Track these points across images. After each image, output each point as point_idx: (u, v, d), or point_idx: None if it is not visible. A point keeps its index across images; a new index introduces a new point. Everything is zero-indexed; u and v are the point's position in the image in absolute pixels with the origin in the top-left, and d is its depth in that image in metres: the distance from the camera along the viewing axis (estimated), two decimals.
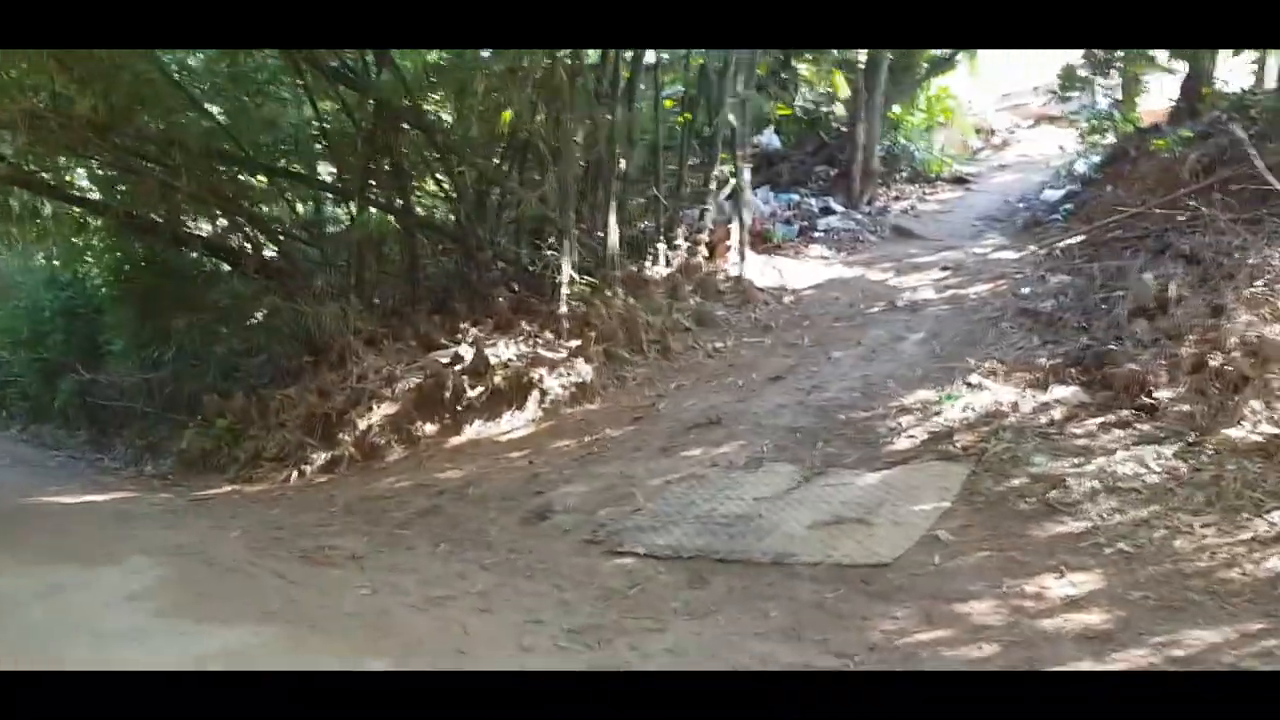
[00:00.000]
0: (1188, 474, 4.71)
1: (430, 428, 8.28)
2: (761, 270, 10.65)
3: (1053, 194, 12.81)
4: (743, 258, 10.45)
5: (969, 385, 6.57)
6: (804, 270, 10.83)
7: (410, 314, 10.04)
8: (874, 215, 12.94)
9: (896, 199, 14.00)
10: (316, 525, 6.41)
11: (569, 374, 8.44)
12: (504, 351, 8.81)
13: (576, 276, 9.53)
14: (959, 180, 15.01)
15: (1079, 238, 10.10)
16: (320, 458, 8.14)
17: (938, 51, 14.69)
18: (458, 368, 8.60)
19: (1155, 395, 5.53)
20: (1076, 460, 5.14)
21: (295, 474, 7.98)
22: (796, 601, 4.25)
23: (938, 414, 6.32)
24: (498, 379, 8.38)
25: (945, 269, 10.36)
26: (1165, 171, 10.62)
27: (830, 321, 9.21)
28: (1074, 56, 13.96)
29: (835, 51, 13.34)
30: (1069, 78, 13.59)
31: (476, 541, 5.66)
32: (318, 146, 10.59)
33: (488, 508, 6.24)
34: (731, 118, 10.31)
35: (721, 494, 5.73)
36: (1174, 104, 12.57)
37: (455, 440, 8.09)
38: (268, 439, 8.49)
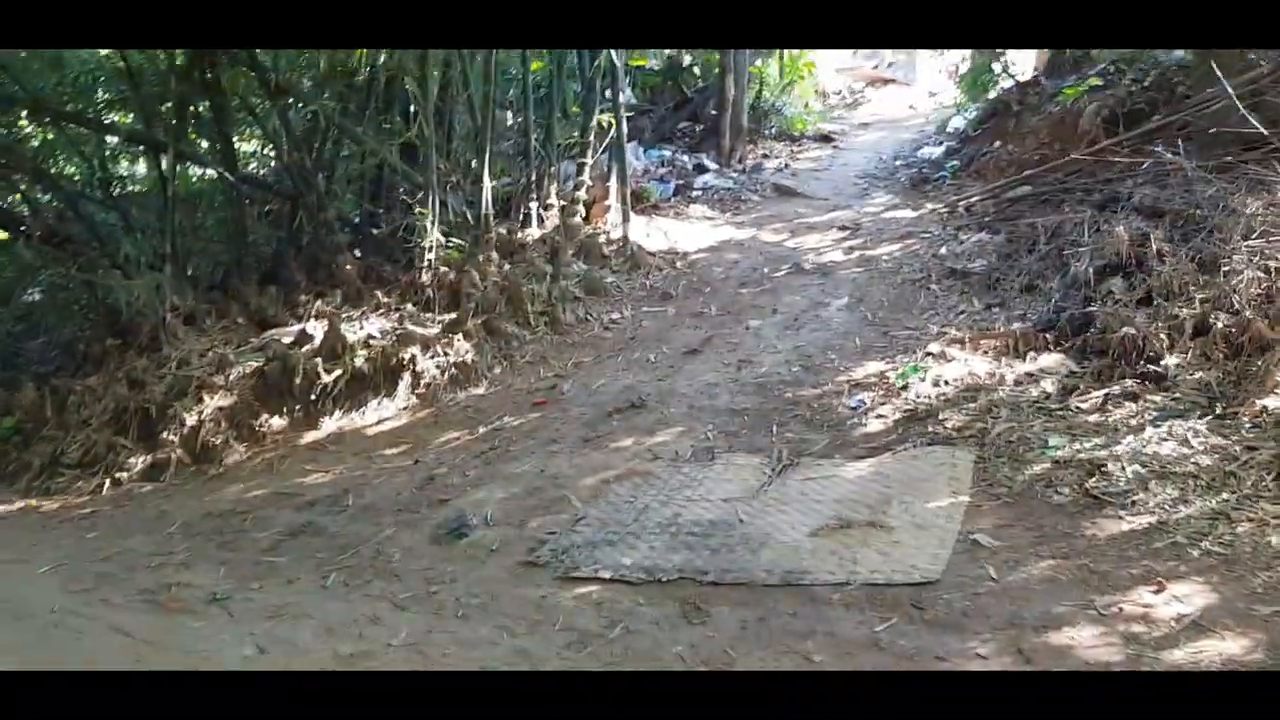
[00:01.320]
0: (1241, 453, 4.17)
1: (278, 421, 6.97)
2: (645, 232, 9.77)
3: (932, 151, 12.53)
4: (626, 218, 9.53)
5: (931, 355, 5.94)
6: (691, 232, 10.02)
7: (237, 287, 8.60)
8: (750, 173, 12.28)
9: (766, 157, 13.39)
10: (153, 553, 5.09)
11: (446, 353, 7.32)
12: (364, 328, 7.60)
13: (443, 240, 8.37)
14: (825, 138, 14.58)
15: (979, 195, 9.75)
16: (139, 462, 6.69)
17: None
18: (306, 348, 7.32)
19: (1161, 363, 5.02)
20: (1100, 440, 4.54)
21: (108, 483, 6.50)
22: (840, 639, 3.42)
23: (904, 389, 5.66)
24: (359, 361, 7.16)
25: (843, 229, 9.79)
26: (1060, 124, 10.42)
27: (735, 288, 8.44)
28: None
29: None
30: None
31: (379, 569, 4.54)
32: (119, 88, 8.92)
33: (380, 522, 5.11)
34: (615, 55, 9.31)
35: (679, 495, 4.84)
36: (1051, 56, 12.47)
37: (312, 436, 6.83)
38: (68, 440, 6.93)
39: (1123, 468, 4.25)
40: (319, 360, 7.12)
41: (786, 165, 12.91)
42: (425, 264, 8.36)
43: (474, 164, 8.41)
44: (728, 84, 12.84)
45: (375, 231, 9.58)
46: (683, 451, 5.39)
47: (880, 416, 5.45)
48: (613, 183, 9.97)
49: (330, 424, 6.92)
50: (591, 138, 9.56)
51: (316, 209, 8.74)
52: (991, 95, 12.55)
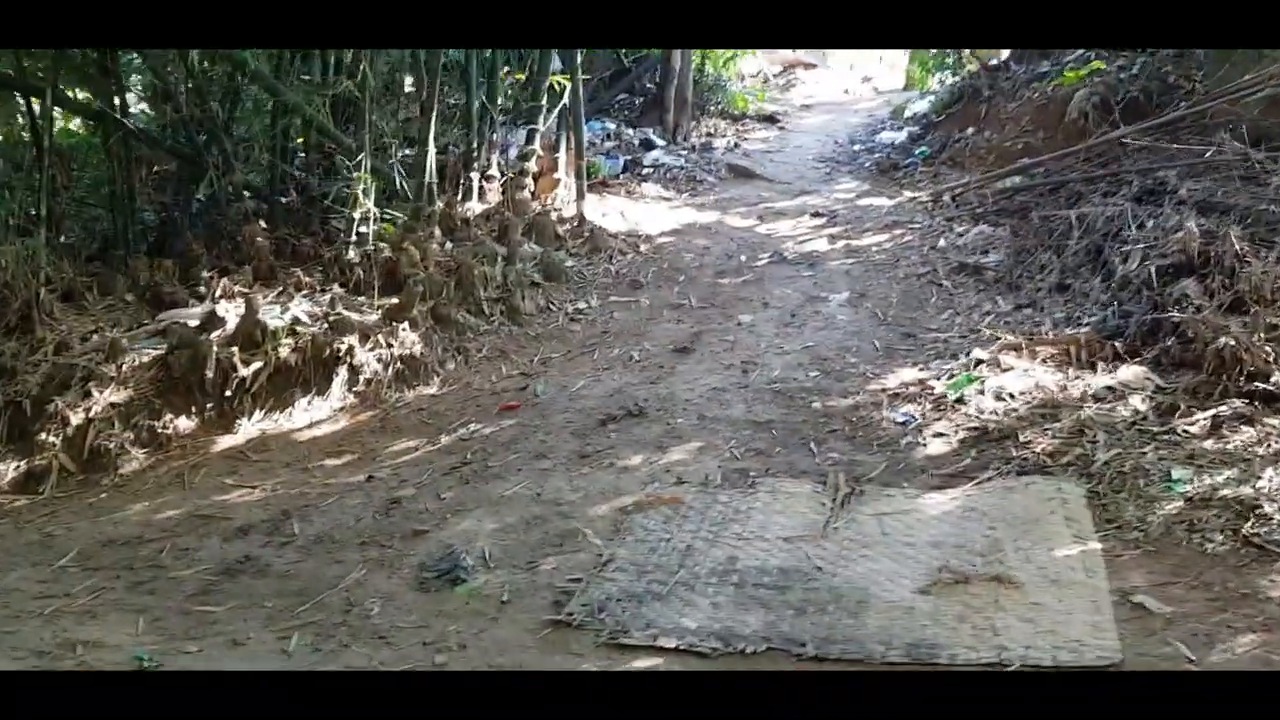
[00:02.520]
0: None
1: (185, 423, 5.83)
2: (600, 211, 8.88)
3: (893, 136, 12.00)
4: (581, 195, 8.62)
5: (981, 363, 5.26)
6: (649, 213, 9.19)
7: (125, 259, 7.37)
8: (700, 152, 11.49)
9: (711, 135, 12.63)
10: (43, 594, 3.99)
11: (389, 344, 6.30)
12: (289, 312, 6.51)
13: (376, 211, 7.32)
14: (769, 119, 13.92)
15: (964, 184, 9.20)
16: (9, 469, 5.49)
17: None
18: (218, 334, 6.20)
19: (1271, 380, 4.43)
20: (1233, 473, 3.91)
21: None
22: None
23: (960, 402, 4.95)
24: (283, 350, 6.09)
25: (817, 215, 9.11)
26: (1043, 111, 9.97)
27: (712, 276, 7.64)
28: None
29: None
30: None
31: (355, 627, 3.57)
32: None
33: (342, 559, 4.12)
34: None
35: (725, 532, 4.01)
36: None
37: (228, 441, 5.73)
38: None
39: None
40: (234, 349, 6.01)
41: (736, 145, 12.19)
42: (354, 238, 7.31)
43: (429, 121, 7.33)
44: (675, 55, 12.02)
45: (286, 200, 8.41)
46: (711, 474, 4.55)
47: (940, 435, 4.73)
48: (562, 154, 9.05)
49: (250, 427, 5.83)
50: (543, 101, 8.57)
51: (222, 171, 7.55)
52: (948, 80, 12.10)
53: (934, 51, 12.71)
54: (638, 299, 7.27)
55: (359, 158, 7.06)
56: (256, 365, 5.98)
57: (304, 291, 6.97)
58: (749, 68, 19.74)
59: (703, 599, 3.51)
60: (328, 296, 6.80)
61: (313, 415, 5.93)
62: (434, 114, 7.35)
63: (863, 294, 6.93)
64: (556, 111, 8.75)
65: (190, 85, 7.62)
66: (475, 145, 8.44)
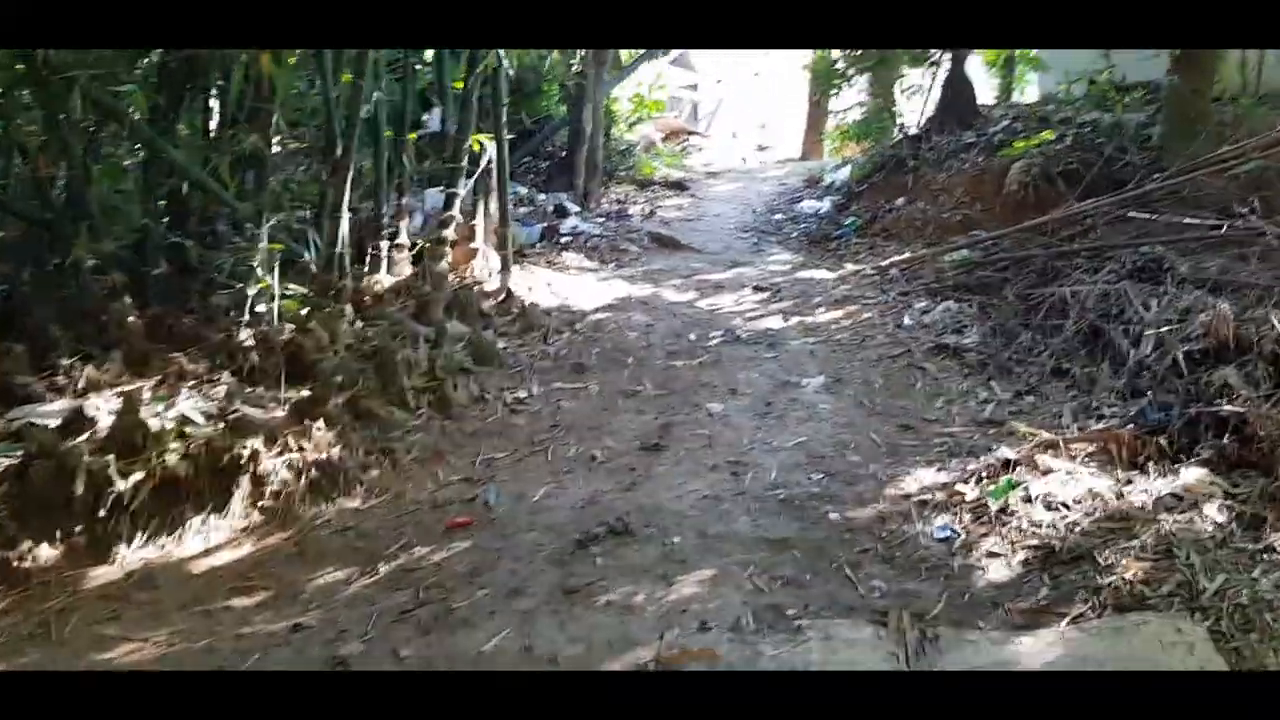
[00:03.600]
0: None
1: (49, 551, 4.70)
2: (526, 284, 8.08)
3: (815, 205, 11.63)
4: (506, 266, 7.81)
5: (1015, 464, 4.65)
6: (577, 286, 8.44)
7: None
8: (617, 219, 10.85)
9: (621, 202, 12.04)
10: None
11: (300, 446, 5.32)
12: (175, 408, 5.45)
13: (277, 285, 6.34)
14: (678, 186, 13.45)
15: (909, 256, 8.79)
16: None
17: None
18: (87, 438, 5.10)
19: None
20: None
21: None
22: None
23: (1005, 512, 4.31)
24: (171, 458, 5.04)
25: (759, 290, 8.52)
26: (979, 182, 9.72)
27: (664, 358, 6.91)
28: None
29: None
30: (827, 74, 12.48)
31: None
32: None
33: None
34: (504, 57, 7.60)
35: None
36: (938, 110, 11.88)
37: (104, 574, 4.62)
38: None
39: None
40: (109, 457, 4.93)
41: (652, 212, 11.62)
42: (246, 318, 6.31)
43: (343, 181, 6.43)
44: (585, 116, 11.41)
45: (161, 272, 7.29)
46: (740, 615, 3.75)
47: (995, 555, 4.06)
48: (480, 221, 8.23)
49: (131, 555, 4.73)
50: (464, 162, 7.75)
51: (83, 238, 6.43)
52: (858, 149, 11.83)
53: (858, 118, 12.45)
54: (585, 385, 6.47)
55: (256, 223, 6.10)
56: (137, 477, 4.90)
57: (190, 382, 5.94)
58: (633, 135, 19.43)
59: None
60: (220, 389, 5.79)
61: (210, 539, 4.88)
62: (349, 173, 6.44)
63: (839, 379, 6.31)
64: (478, 173, 7.95)
65: (46, 138, 6.52)
66: (384, 210, 7.56)
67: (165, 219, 7.14)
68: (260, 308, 6.17)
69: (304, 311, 6.37)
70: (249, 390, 5.84)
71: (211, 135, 6.82)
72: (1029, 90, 13.38)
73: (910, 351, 6.63)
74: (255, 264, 6.10)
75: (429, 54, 8.47)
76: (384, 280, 7.44)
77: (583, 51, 10.91)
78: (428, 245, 7.64)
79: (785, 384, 6.30)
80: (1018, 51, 12.96)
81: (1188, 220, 6.32)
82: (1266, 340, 4.81)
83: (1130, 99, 9.74)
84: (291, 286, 6.47)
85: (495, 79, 7.78)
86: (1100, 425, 4.94)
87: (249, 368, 6.12)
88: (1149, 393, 5.02)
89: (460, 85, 12.76)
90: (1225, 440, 4.44)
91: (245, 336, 6.27)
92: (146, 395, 5.61)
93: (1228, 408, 4.53)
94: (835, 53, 12.88)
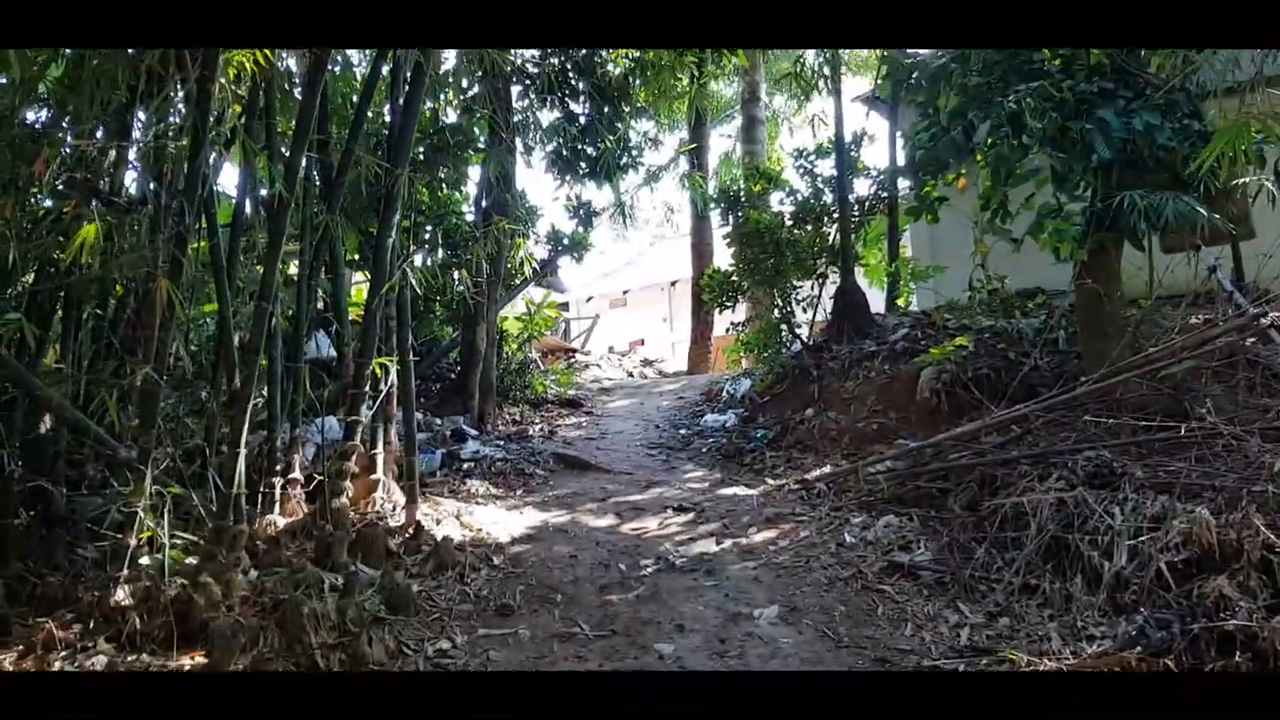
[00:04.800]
0: None
1: None
2: (434, 517, 7.51)
3: (719, 418, 11.46)
4: (413, 499, 7.24)
5: None
6: (489, 516, 7.88)
7: None
8: (517, 441, 10.42)
9: (518, 423, 11.66)
10: None
11: None
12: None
13: (162, 531, 5.64)
14: (573, 404, 13.17)
15: (833, 470, 8.60)
16: None
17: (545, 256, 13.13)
18: None
19: None
20: None
21: None
22: None
23: None
24: None
25: (681, 510, 8.14)
26: (889, 390, 9.73)
27: (597, 593, 6.37)
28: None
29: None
30: (719, 287, 12.60)
31: None
32: None
33: None
34: (411, 278, 7.28)
35: None
36: (830, 317, 12.07)
37: None
38: None
39: None
40: None
41: (552, 432, 11.25)
42: (125, 573, 5.56)
43: (240, 412, 5.87)
44: (480, 335, 11.14)
45: (19, 523, 6.46)
46: None
47: None
48: (380, 450, 7.69)
49: None
50: (366, 387, 7.28)
51: None
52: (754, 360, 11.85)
53: (758, 330, 12.54)
54: (514, 630, 5.85)
55: (142, 462, 5.46)
56: None
57: (59, 651, 5.11)
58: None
59: None
60: (98, 658, 4.98)
61: None
62: (249, 404, 5.90)
63: (793, 607, 5.88)
64: (381, 399, 7.48)
65: None
66: (277, 442, 6.97)
67: (21, 462, 6.40)
68: (144, 560, 5.43)
69: (192, 562, 5.64)
70: (131, 659, 5.06)
71: (86, 366, 6.19)
72: (913, 300, 13.82)
73: (861, 573, 6.28)
74: (139, 509, 5.41)
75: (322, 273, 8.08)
76: (278, 521, 6.78)
77: (486, 271, 10.77)
78: (327, 479, 7.03)
79: (736, 616, 5.83)
80: (898, 263, 13.45)
81: (1145, 423, 6.30)
82: (1253, 547, 4.64)
83: (1031, 305, 10.07)
84: (179, 535, 5.77)
85: (400, 299, 7.45)
86: (1094, 648, 4.64)
87: (130, 632, 5.33)
88: (1141, 610, 4.75)
89: (358, 302, 12.55)
90: (1239, 658, 4.17)
91: (124, 595, 5.50)
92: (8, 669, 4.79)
93: (1233, 622, 4.29)
94: (726, 264, 13.12)
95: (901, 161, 13.37)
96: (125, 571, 5.55)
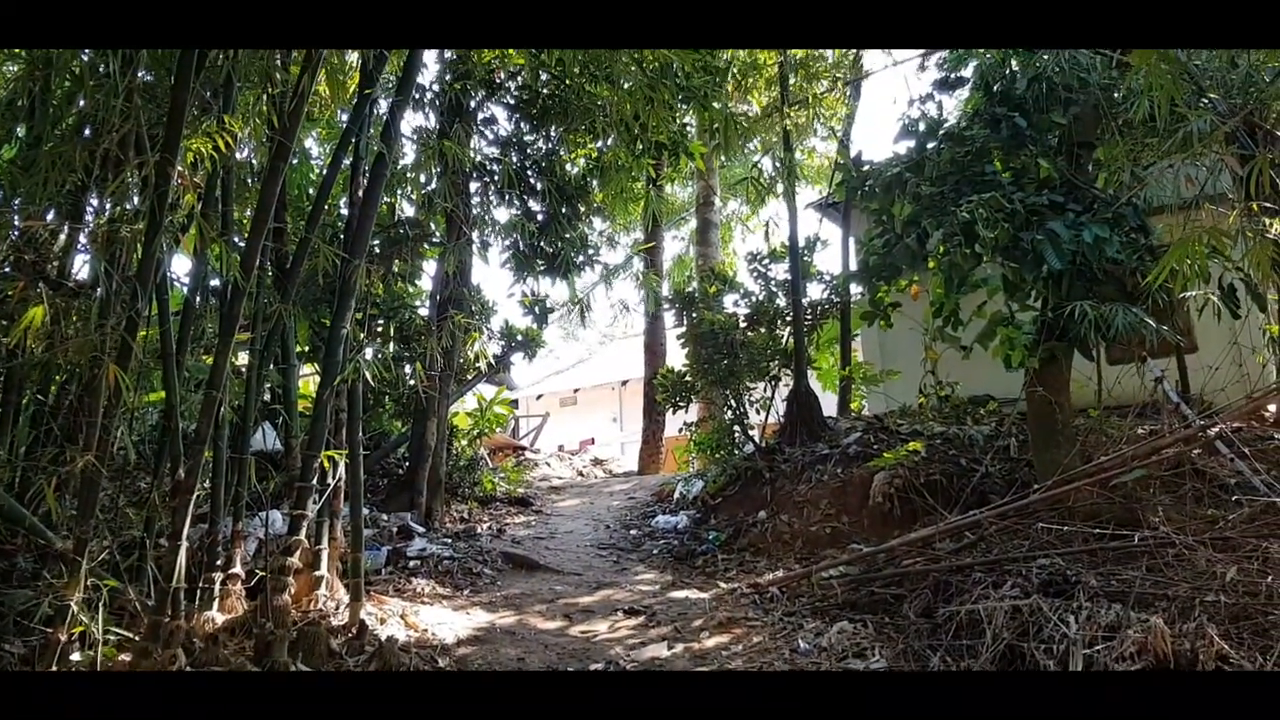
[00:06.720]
0: None
1: None
2: (377, 616, 7.37)
3: (670, 520, 11.44)
4: (357, 596, 7.11)
5: None
6: (434, 616, 7.75)
7: None
8: (465, 539, 10.31)
9: (466, 520, 11.54)
10: None
11: None
12: None
13: (95, 627, 5.49)
14: (521, 502, 13.08)
15: (785, 574, 8.60)
16: None
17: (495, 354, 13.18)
18: None
19: None
20: None
21: None
22: None
23: None
24: None
25: (633, 613, 8.06)
26: (841, 494, 9.81)
27: None
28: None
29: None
30: (672, 389, 12.70)
31: None
32: None
33: None
34: (364, 371, 7.26)
35: None
36: (783, 419, 12.19)
37: None
38: None
39: None
40: None
41: (501, 531, 11.14)
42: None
43: (183, 505, 5.77)
44: (430, 430, 11.09)
45: None
46: None
47: None
48: (324, 546, 7.56)
49: None
50: (314, 480, 7.19)
51: None
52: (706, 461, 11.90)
53: (711, 431, 12.61)
54: None
55: (78, 554, 5.33)
56: None
57: None
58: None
59: None
60: None
61: None
62: (192, 496, 5.81)
63: None
64: (328, 493, 7.39)
65: None
66: (219, 536, 6.83)
67: None
68: (74, 656, 5.26)
69: (126, 658, 5.48)
70: None
71: (24, 453, 6.08)
72: (865, 404, 14.01)
73: None
74: (72, 602, 5.26)
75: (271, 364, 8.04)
76: (216, 618, 6.61)
77: (440, 365, 10.78)
78: (269, 575, 6.89)
79: None
80: (851, 367, 13.68)
81: (1098, 531, 6.40)
82: (1208, 657, 4.70)
83: (982, 412, 10.27)
84: (113, 632, 5.61)
85: (352, 391, 7.42)
86: None
87: None
88: None
89: (305, 397, 12.43)
90: None
91: None
92: None
93: None
94: (680, 364, 13.25)
95: (854, 266, 13.69)
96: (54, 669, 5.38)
